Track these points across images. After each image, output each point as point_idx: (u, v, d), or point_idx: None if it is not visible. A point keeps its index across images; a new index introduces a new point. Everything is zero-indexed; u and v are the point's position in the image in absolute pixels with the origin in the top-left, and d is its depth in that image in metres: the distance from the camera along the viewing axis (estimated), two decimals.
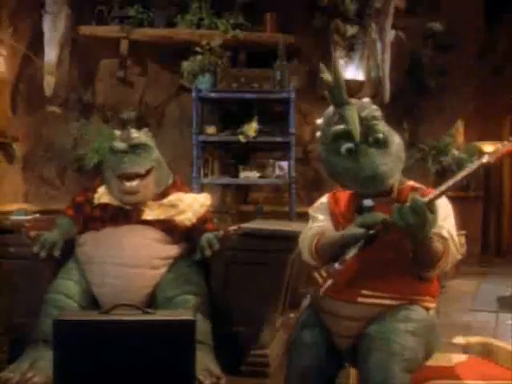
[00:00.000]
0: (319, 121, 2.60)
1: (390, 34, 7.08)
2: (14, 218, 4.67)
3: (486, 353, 2.76)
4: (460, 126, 8.35)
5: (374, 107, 2.54)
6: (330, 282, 2.42)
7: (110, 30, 7.18)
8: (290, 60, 6.79)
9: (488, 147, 8.42)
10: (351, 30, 7.00)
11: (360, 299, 2.45)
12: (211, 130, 6.66)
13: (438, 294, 2.61)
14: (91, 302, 3.65)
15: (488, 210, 9.27)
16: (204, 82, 6.59)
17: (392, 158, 2.47)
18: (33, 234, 3.87)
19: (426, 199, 2.19)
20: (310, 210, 2.72)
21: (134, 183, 3.75)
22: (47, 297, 3.64)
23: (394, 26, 7.13)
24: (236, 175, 6.76)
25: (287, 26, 7.15)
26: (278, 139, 6.59)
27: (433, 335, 2.53)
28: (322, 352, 2.53)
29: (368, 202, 2.46)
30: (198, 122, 6.59)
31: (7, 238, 3.92)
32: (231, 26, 7.01)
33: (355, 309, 2.46)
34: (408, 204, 2.18)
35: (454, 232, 2.44)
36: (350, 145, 2.42)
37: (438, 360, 2.62)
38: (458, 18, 7.91)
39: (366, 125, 2.45)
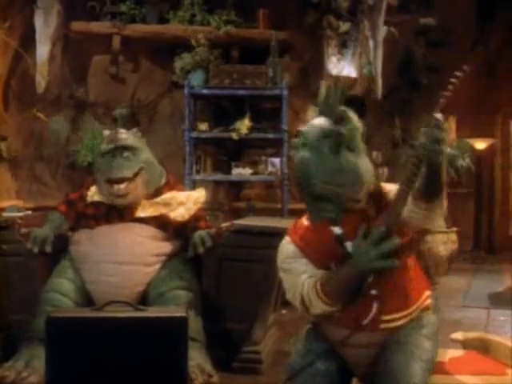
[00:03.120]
0: (304, 128, 2.49)
1: (383, 31, 7.09)
2: (6, 214, 4.67)
3: (484, 348, 2.78)
4: (452, 122, 8.36)
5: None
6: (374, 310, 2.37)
7: (102, 26, 7.17)
8: (282, 56, 6.79)
9: (480, 144, 8.46)
10: (344, 26, 7.01)
11: (382, 326, 2.39)
12: (203, 126, 6.66)
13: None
14: (86, 299, 3.65)
15: (479, 207, 9.29)
16: (196, 79, 6.59)
17: (367, 163, 2.43)
18: (24, 230, 3.87)
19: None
20: (283, 264, 2.54)
21: (122, 186, 3.74)
22: (42, 296, 3.64)
23: (386, 23, 7.14)
24: (228, 172, 6.76)
25: (280, 22, 7.15)
26: (271, 136, 6.59)
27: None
28: (336, 379, 2.47)
29: (337, 230, 2.36)
30: (190, 119, 6.59)
31: (0, 234, 3.91)
32: (223, 22, 7.01)
33: (376, 336, 2.41)
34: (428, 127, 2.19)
35: None
36: (337, 142, 2.37)
37: None
38: (450, 15, 7.91)
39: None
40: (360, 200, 2.39)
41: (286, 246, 2.54)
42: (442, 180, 2.28)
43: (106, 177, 3.75)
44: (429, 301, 2.52)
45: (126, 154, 3.78)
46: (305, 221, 2.53)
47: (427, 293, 2.52)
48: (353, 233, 2.34)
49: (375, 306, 2.35)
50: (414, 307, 2.44)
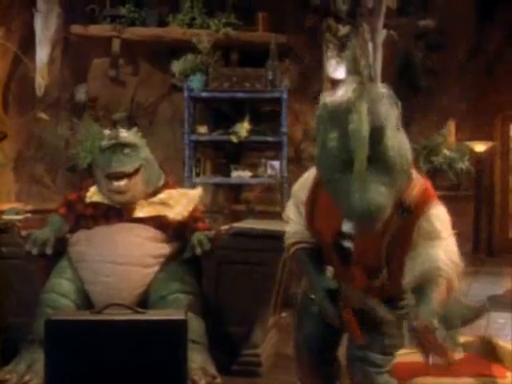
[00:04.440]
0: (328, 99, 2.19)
1: (382, 34, 7.10)
2: (5, 217, 4.66)
3: (484, 351, 2.78)
4: (451, 125, 8.36)
5: (386, 100, 2.16)
6: None
7: (102, 29, 7.18)
8: (281, 60, 6.80)
9: (479, 146, 8.45)
10: (343, 29, 7.02)
11: None
12: (203, 129, 6.67)
13: None
14: (86, 300, 3.64)
15: (479, 210, 9.28)
16: (196, 82, 6.60)
17: (393, 177, 2.09)
18: (24, 233, 3.87)
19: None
20: (295, 189, 2.50)
21: (122, 182, 3.75)
22: (42, 297, 3.64)
23: (385, 26, 7.14)
24: (228, 175, 6.77)
25: (279, 25, 7.16)
26: (270, 139, 6.60)
27: None
28: (324, 322, 2.54)
29: (347, 228, 2.24)
30: (189, 122, 6.60)
31: None
32: (223, 25, 7.02)
33: None
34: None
35: (453, 249, 2.36)
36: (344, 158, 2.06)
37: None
38: (449, 17, 7.92)
39: (373, 136, 2.05)
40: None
41: (307, 179, 2.44)
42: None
43: (105, 172, 3.77)
44: None
45: (126, 150, 3.80)
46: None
47: None
48: (363, 238, 2.25)
49: None
50: None
